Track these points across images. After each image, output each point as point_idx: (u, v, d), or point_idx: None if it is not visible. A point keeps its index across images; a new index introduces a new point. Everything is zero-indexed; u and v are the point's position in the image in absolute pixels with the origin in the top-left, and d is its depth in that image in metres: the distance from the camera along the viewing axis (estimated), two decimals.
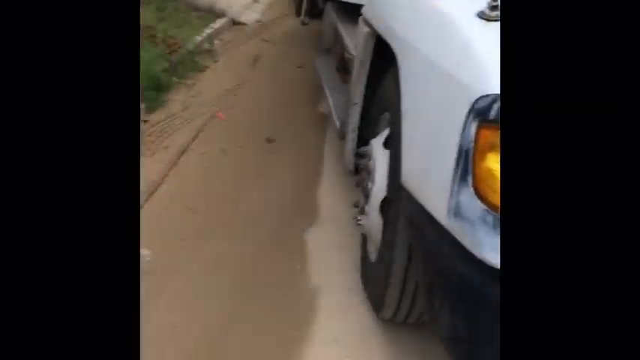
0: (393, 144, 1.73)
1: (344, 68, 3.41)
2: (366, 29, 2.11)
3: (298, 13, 4.84)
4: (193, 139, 3.58)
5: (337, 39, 3.15)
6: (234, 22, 6.94)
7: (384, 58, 1.89)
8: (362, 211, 2.07)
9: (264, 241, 2.60)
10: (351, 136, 2.33)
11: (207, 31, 6.01)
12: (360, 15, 2.22)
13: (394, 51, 1.73)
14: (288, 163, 3.39)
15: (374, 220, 1.95)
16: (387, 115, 1.94)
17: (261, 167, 3.33)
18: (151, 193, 2.87)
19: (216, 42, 6.13)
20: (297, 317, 2.16)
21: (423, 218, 1.41)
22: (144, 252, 2.36)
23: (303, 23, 4.91)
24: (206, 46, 5.76)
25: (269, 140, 3.69)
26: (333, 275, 2.40)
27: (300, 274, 2.40)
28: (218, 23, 6.52)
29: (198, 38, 5.66)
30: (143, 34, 4.74)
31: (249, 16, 7.05)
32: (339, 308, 2.22)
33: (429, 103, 1.46)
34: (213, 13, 6.88)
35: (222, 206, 2.87)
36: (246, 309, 2.18)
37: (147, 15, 5.70)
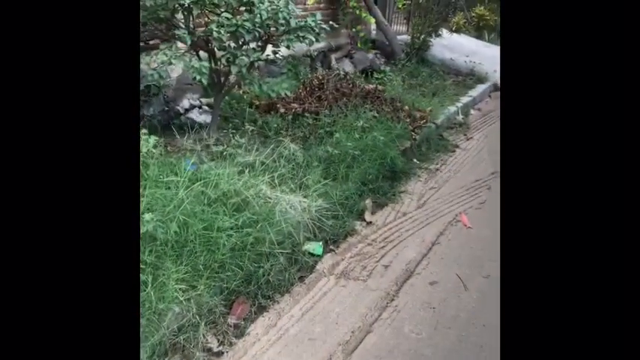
0: None
1: None
2: None
3: None
4: (424, 256, 2.69)
5: None
6: (497, 87, 6.29)
7: None
8: None
9: None
10: None
11: (464, 99, 5.41)
12: None
13: None
14: None
15: None
16: None
17: None
18: (351, 352, 2.05)
19: (472, 113, 5.43)
20: None
21: None
22: None
23: None
24: (459, 118, 4.94)
25: None
26: None
27: None
28: (478, 90, 5.96)
29: (451, 109, 4.87)
30: (386, 109, 4.13)
31: None
32: None
33: None
34: (474, 78, 6.34)
35: None
36: None
37: (395, 83, 5.14)
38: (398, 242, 2.80)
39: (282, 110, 3.82)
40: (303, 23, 3.02)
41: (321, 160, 3.15)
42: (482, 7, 6.29)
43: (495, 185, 3.48)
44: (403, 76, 5.47)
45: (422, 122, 4.23)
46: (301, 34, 3.01)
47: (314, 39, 3.05)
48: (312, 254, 2.57)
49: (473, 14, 6.49)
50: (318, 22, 3.09)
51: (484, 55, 7.02)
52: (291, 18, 2.95)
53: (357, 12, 5.85)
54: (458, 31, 6.23)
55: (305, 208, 2.66)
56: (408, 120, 4.13)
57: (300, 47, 4.03)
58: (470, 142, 4.33)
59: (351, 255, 2.65)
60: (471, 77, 6.30)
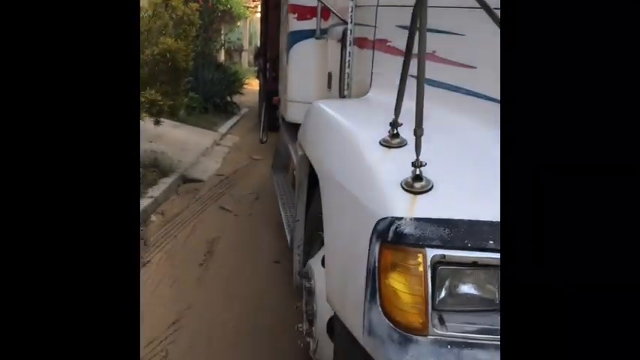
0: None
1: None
2: (300, 152, 2.20)
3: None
4: None
5: (290, 156, 3.27)
6: (186, 180, 5.21)
7: (316, 178, 1.92)
8: (309, 335, 1.97)
9: None
10: (297, 252, 2.36)
11: (142, 203, 4.10)
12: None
13: (317, 173, 1.82)
14: None
15: (324, 344, 1.84)
16: (321, 235, 1.90)
17: None
18: None
19: (153, 219, 4.13)
20: None
21: (347, 337, 1.41)
22: None
23: (262, 141, 5.26)
24: None
25: None
26: None
27: None
28: (160, 187, 4.63)
29: None
30: None
31: (207, 167, 5.72)
32: None
33: (343, 224, 1.54)
34: (158, 170, 4.98)
35: None
36: None
37: None
38: None
39: None
40: None
41: None
42: (153, 91, 4.44)
43: (178, 339, 2.56)
44: None
45: None
46: None
47: None
48: None
49: (143, 99, 4.36)
50: None
51: (171, 139, 6.23)
52: None
53: None
54: None
55: None
56: None
57: None
58: (146, 269, 3.25)
59: None
60: (153, 170, 4.99)
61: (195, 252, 3.56)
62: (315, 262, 1.99)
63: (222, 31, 12.20)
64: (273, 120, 5.02)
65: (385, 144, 1.44)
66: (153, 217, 4.11)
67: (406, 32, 1.32)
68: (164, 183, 4.75)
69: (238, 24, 15.12)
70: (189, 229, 3.98)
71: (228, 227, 4.05)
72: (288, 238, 2.66)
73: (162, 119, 4.83)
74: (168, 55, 4.46)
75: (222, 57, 13.14)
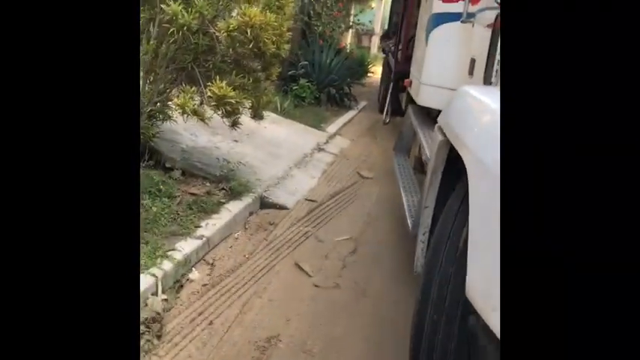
0: (460, 253, 1.59)
1: (421, 169, 3.16)
2: (440, 137, 1.98)
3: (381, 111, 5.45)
4: None
5: (416, 140, 3.20)
6: (264, 204, 3.75)
7: (456, 167, 1.76)
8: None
9: None
10: (421, 239, 2.16)
11: (183, 247, 2.71)
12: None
13: (465, 164, 1.59)
14: None
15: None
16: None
17: None
18: None
19: (193, 276, 2.67)
20: None
21: (490, 340, 1.23)
22: None
23: (385, 123, 5.25)
24: (155, 302, 2.27)
25: None
26: None
27: None
28: (223, 217, 3.20)
29: (144, 282, 2.27)
30: None
31: (298, 186, 4.20)
32: None
33: (495, 220, 1.27)
34: (229, 188, 3.57)
35: None
36: None
37: None
38: None
39: None
40: None
41: None
42: (223, 83, 3.09)
43: None
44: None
45: None
46: None
47: None
48: None
49: (209, 93, 3.07)
50: None
51: (264, 138, 4.94)
52: None
53: None
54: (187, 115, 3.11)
55: None
56: None
57: None
58: None
59: None
60: (222, 187, 3.62)
61: None
62: None
63: (352, 12, 10.90)
64: (395, 103, 5.03)
65: None
66: (194, 273, 2.71)
67: None
68: (229, 211, 3.31)
69: (372, 5, 13.75)
70: (239, 305, 2.52)
71: (298, 311, 2.55)
72: (410, 223, 2.61)
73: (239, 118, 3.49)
74: (249, 33, 3.07)
75: (348, 40, 11.79)
